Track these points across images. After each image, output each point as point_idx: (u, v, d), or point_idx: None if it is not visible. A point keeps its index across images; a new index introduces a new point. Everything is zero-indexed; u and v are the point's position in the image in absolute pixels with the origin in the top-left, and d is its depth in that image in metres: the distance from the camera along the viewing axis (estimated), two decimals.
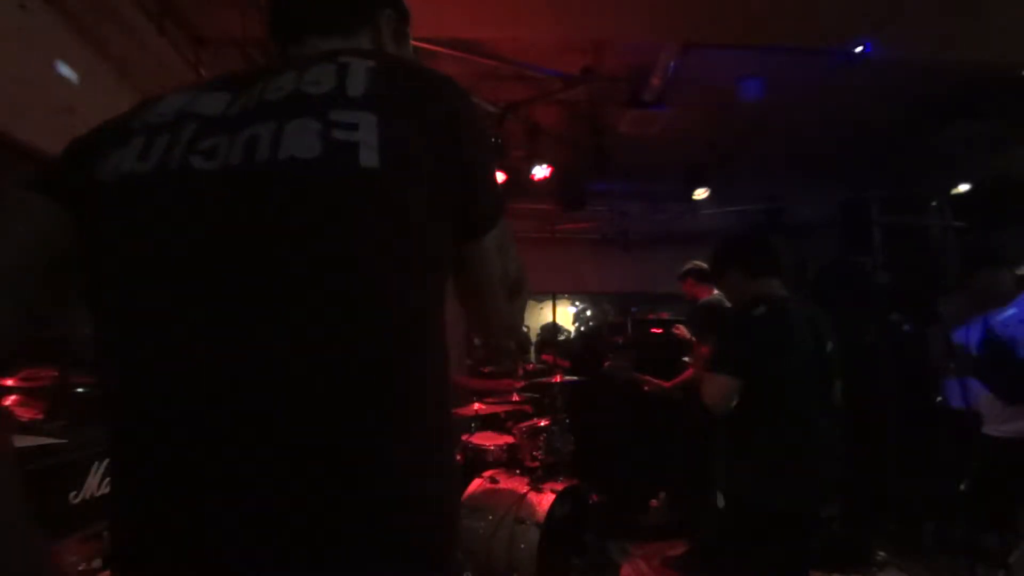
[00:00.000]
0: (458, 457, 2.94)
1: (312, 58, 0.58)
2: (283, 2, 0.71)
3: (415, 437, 0.53)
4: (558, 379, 3.24)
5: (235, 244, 0.50)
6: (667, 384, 3.28)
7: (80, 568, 1.05)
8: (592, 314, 7.43)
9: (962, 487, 2.75)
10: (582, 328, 7.30)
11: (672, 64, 3.04)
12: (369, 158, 0.50)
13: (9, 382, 1.45)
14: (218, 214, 0.51)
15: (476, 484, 2.91)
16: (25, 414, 1.37)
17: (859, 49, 2.78)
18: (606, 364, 3.66)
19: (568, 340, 6.83)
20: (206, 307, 0.50)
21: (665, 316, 4.52)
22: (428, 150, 0.53)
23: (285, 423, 0.48)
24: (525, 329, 7.49)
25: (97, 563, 1.08)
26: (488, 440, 3.05)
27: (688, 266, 3.41)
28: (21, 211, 0.56)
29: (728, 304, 2.28)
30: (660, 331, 4.33)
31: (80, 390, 1.57)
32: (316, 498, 0.47)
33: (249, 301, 0.49)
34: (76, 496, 1.08)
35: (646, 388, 3.36)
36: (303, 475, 0.47)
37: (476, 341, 4.96)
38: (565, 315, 7.53)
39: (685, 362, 3.21)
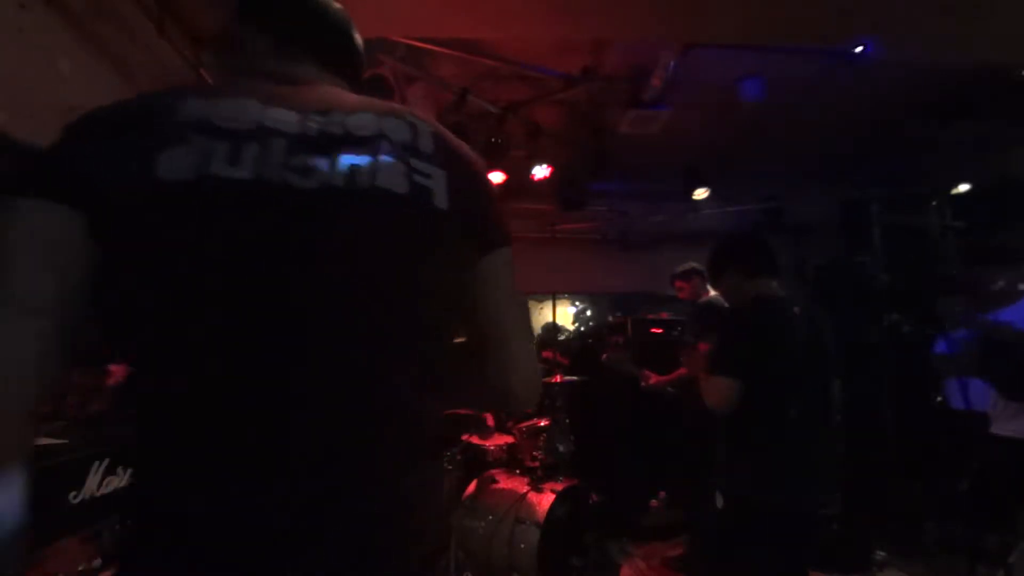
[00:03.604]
0: (458, 457, 2.94)
1: (383, 109, 0.67)
2: (313, 24, 0.75)
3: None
4: (558, 379, 3.24)
5: (333, 254, 0.57)
6: (663, 379, 3.28)
7: (80, 568, 1.05)
8: (592, 314, 7.43)
9: (962, 487, 2.76)
10: (582, 328, 7.30)
11: (672, 64, 3.04)
12: (441, 201, 0.63)
13: None
14: (318, 228, 0.57)
15: (475, 484, 2.91)
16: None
17: (859, 49, 2.78)
18: (604, 356, 3.66)
19: (568, 340, 6.83)
20: (305, 311, 0.55)
21: (665, 316, 4.52)
22: (470, 197, 0.67)
23: (358, 429, 0.57)
24: None
25: (97, 563, 1.08)
26: (488, 440, 3.05)
27: (684, 267, 3.42)
28: (46, 229, 0.50)
29: (726, 304, 2.28)
30: (660, 331, 4.33)
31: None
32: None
33: (342, 309, 0.57)
34: (76, 496, 1.08)
35: (643, 383, 3.36)
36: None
37: None
38: (565, 315, 7.53)
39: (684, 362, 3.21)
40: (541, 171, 4.08)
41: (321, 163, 0.58)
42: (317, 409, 0.55)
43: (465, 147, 0.71)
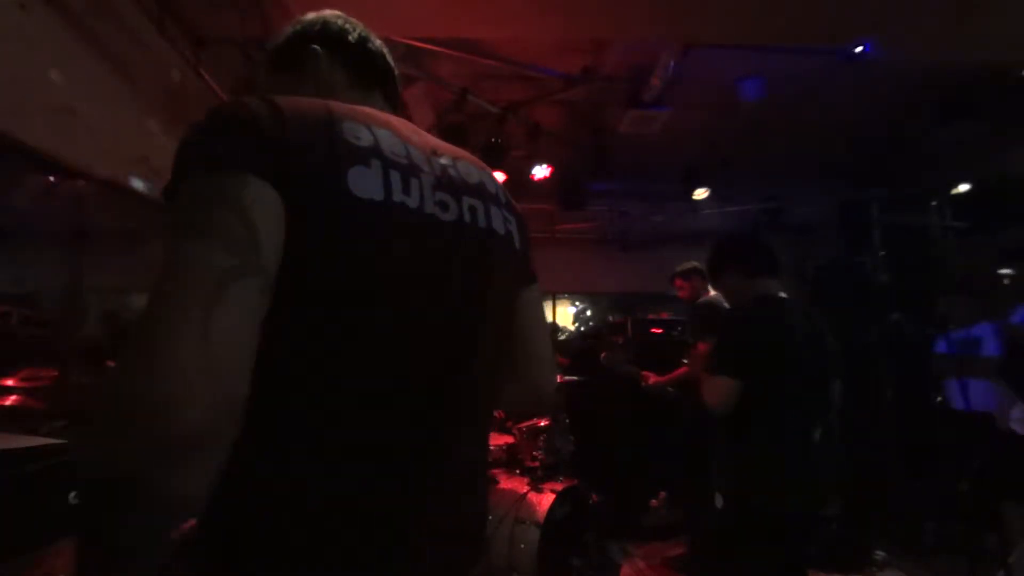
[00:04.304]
0: None
1: (473, 159, 0.77)
2: (378, 60, 0.82)
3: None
4: (558, 379, 3.24)
5: (460, 281, 0.66)
6: (662, 379, 3.28)
7: (80, 568, 1.05)
8: (592, 314, 7.44)
9: (962, 487, 2.76)
10: (582, 328, 7.30)
11: (672, 64, 3.04)
12: (519, 244, 0.77)
13: (9, 382, 1.45)
14: (464, 257, 0.66)
15: None
16: (25, 414, 1.37)
17: (859, 49, 2.78)
18: (603, 355, 3.66)
19: (568, 340, 6.83)
20: (432, 331, 0.63)
21: (665, 316, 4.52)
22: (527, 241, 0.81)
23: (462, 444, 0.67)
24: None
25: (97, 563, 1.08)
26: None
27: (684, 266, 3.41)
28: (265, 213, 0.51)
29: (727, 304, 2.28)
30: (660, 331, 4.33)
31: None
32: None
33: (481, 333, 0.68)
34: (76, 496, 1.07)
35: (642, 383, 3.36)
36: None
37: None
38: (565, 315, 7.53)
39: (685, 363, 3.21)
40: (541, 171, 4.08)
41: (452, 201, 0.67)
42: (459, 428, 0.66)
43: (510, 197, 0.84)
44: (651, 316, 4.49)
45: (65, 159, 1.84)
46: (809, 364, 1.69)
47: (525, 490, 2.73)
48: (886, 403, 3.67)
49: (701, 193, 4.60)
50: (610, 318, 5.43)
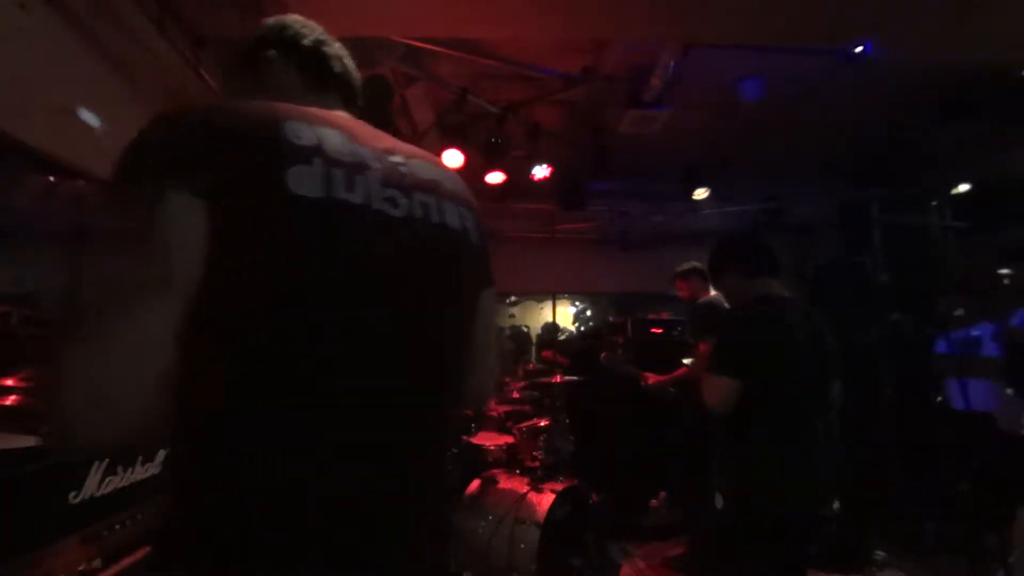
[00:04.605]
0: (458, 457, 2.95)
1: (429, 156, 0.78)
2: (335, 63, 0.83)
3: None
4: (558, 379, 3.24)
5: (412, 274, 0.67)
6: (662, 378, 3.28)
7: (80, 568, 1.05)
8: (592, 314, 7.44)
9: (962, 487, 2.76)
10: (582, 328, 7.31)
11: (672, 64, 3.04)
12: (475, 238, 0.78)
13: (9, 382, 1.45)
14: (416, 250, 0.68)
15: (476, 484, 2.91)
16: (25, 414, 1.37)
17: (859, 49, 2.78)
18: (603, 355, 3.66)
19: (568, 340, 6.83)
20: (383, 323, 0.64)
21: (665, 316, 4.52)
22: (484, 236, 0.81)
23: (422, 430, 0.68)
24: (525, 329, 7.52)
25: (97, 563, 1.08)
26: (488, 440, 3.05)
27: (685, 266, 3.41)
28: (183, 227, 0.52)
29: (727, 304, 2.28)
30: (660, 331, 4.33)
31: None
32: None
33: (417, 322, 0.67)
34: (76, 496, 1.07)
35: (642, 383, 3.36)
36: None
37: None
38: (565, 315, 7.53)
39: (685, 364, 3.21)
40: (541, 171, 4.08)
41: (402, 197, 0.68)
42: (420, 427, 0.68)
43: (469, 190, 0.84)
44: (651, 316, 4.49)
45: (65, 159, 1.84)
46: (809, 364, 1.69)
47: (525, 490, 2.73)
48: (886, 403, 3.67)
49: (701, 193, 4.60)
50: (610, 318, 5.43)
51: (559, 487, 2.75)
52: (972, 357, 2.98)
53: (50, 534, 1.01)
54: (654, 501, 3.96)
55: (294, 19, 0.83)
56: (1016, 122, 3.67)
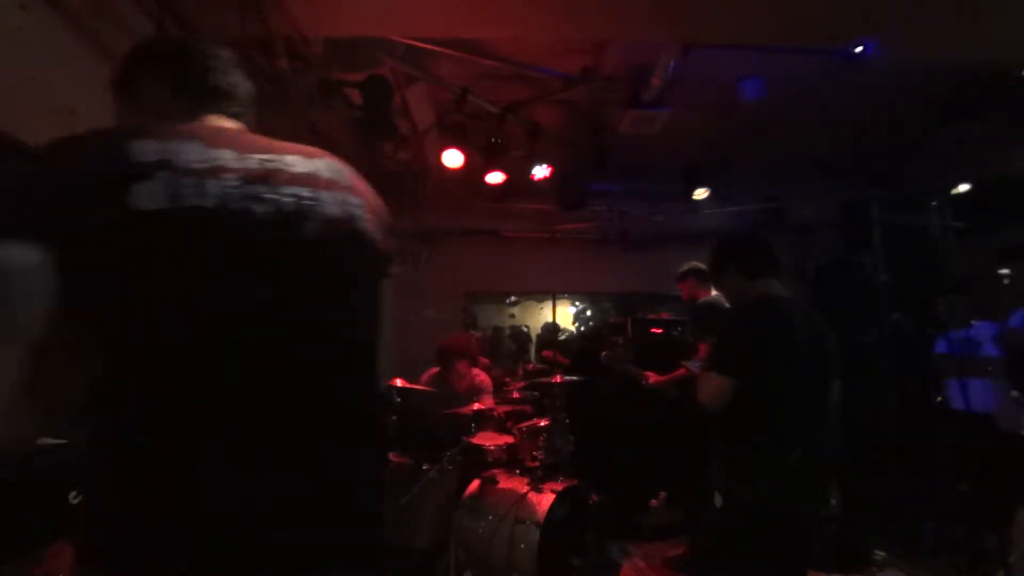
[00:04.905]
0: (458, 457, 2.95)
1: (306, 151, 0.79)
2: (207, 74, 0.84)
3: None
4: (558, 379, 3.24)
5: (286, 267, 0.69)
6: (663, 378, 3.28)
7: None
8: (592, 314, 7.43)
9: (962, 487, 2.76)
10: (582, 328, 7.30)
11: (672, 64, 3.03)
12: (366, 225, 0.79)
13: None
14: (275, 244, 0.68)
15: (476, 484, 2.91)
16: None
17: (859, 49, 2.77)
18: (603, 355, 3.65)
19: (568, 340, 6.83)
20: (258, 321, 0.66)
21: (665, 316, 4.52)
22: (382, 225, 0.84)
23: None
24: (525, 329, 7.52)
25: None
26: (488, 440, 3.05)
27: (687, 267, 3.41)
28: (23, 275, 0.55)
29: (727, 304, 2.28)
30: (660, 331, 4.33)
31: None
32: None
33: (311, 309, 0.70)
34: (76, 496, 1.08)
35: (643, 383, 3.36)
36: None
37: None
38: (565, 315, 7.53)
39: (684, 365, 3.20)
40: (541, 171, 4.08)
41: (270, 192, 0.69)
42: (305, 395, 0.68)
43: (367, 183, 0.87)
44: (651, 316, 4.48)
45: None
46: (809, 364, 1.69)
47: (525, 490, 2.73)
48: (886, 403, 3.67)
49: (701, 193, 4.59)
50: (610, 319, 5.43)
51: (559, 487, 2.75)
52: (972, 357, 2.99)
53: (50, 534, 1.01)
54: (654, 501, 3.96)
55: (162, 37, 0.89)
56: (1016, 122, 3.67)
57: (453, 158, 3.81)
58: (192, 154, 0.65)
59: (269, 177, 0.71)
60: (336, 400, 0.71)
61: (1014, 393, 2.77)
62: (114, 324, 0.59)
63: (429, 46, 2.94)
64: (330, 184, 0.77)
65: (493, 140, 3.72)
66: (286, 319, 0.67)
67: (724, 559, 1.74)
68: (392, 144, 3.83)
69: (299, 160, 0.76)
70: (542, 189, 4.40)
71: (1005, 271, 3.29)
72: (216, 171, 0.66)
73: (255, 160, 0.71)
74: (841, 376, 1.79)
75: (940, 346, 3.25)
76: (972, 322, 3.06)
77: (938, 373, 3.30)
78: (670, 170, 4.52)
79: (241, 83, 0.87)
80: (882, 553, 3.16)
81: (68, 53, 1.86)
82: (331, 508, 0.68)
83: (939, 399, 3.25)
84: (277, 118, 3.18)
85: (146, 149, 0.63)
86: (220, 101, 0.84)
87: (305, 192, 0.73)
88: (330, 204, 0.75)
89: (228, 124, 0.81)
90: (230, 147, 0.70)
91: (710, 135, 4.17)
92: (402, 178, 4.85)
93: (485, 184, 4.21)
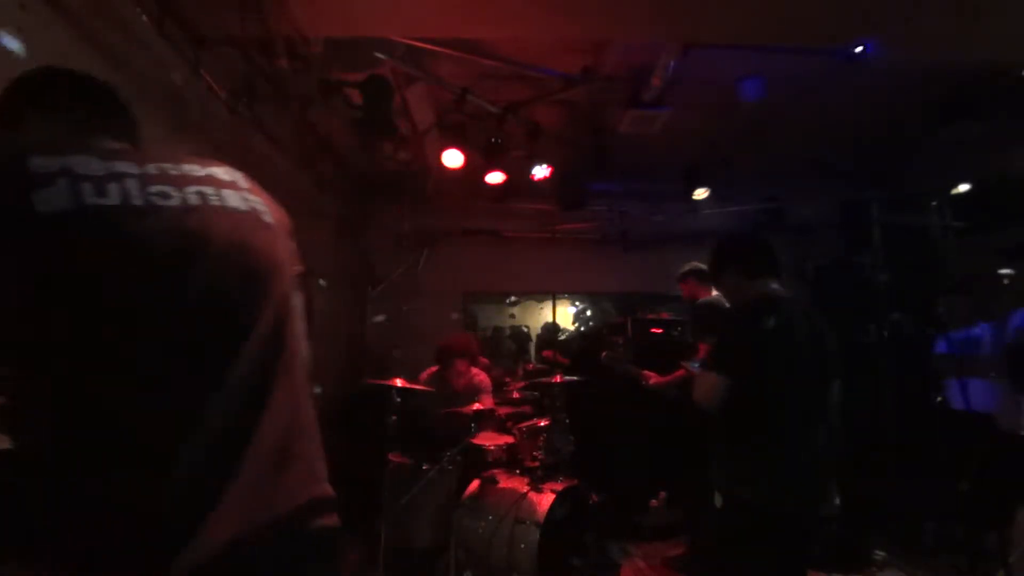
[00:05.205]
0: (458, 457, 2.95)
1: (202, 160, 0.82)
2: (97, 102, 0.88)
3: None
4: (558, 379, 3.24)
5: (198, 254, 0.70)
6: (663, 379, 3.28)
7: None
8: (592, 314, 7.43)
9: (962, 487, 2.76)
10: (582, 328, 7.30)
11: (672, 64, 3.03)
12: (269, 218, 0.83)
13: None
14: (193, 232, 0.71)
15: (476, 484, 2.91)
16: None
17: (859, 49, 2.77)
18: (603, 355, 3.66)
19: (568, 340, 6.83)
20: (169, 305, 0.68)
21: (665, 316, 4.52)
22: (285, 223, 0.88)
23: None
24: (525, 329, 7.52)
25: None
26: (488, 440, 3.05)
27: (687, 267, 3.42)
28: None
29: (727, 304, 2.28)
30: (660, 331, 4.33)
31: None
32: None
33: (224, 299, 0.72)
34: None
35: (644, 383, 3.36)
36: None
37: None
38: (565, 315, 7.52)
39: (683, 365, 3.20)
40: (541, 171, 4.08)
41: (174, 191, 0.72)
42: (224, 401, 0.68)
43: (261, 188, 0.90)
44: (651, 316, 4.49)
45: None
46: (809, 364, 1.69)
47: (525, 490, 2.73)
48: (886, 403, 3.67)
49: (701, 193, 4.59)
50: (610, 318, 5.43)
51: (559, 487, 2.75)
52: (972, 357, 2.98)
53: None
54: (654, 501, 3.96)
55: (43, 70, 0.89)
56: (1016, 122, 3.67)
57: (453, 158, 3.81)
58: (90, 164, 0.68)
59: (170, 180, 0.73)
60: (244, 392, 0.71)
61: (1014, 392, 2.77)
62: (24, 327, 0.61)
63: (429, 46, 2.93)
64: (231, 184, 0.81)
65: (493, 140, 3.72)
66: (196, 310, 0.69)
67: (724, 559, 1.74)
68: (392, 144, 3.83)
69: (195, 167, 0.79)
70: (542, 189, 4.40)
71: (1005, 271, 3.29)
72: (115, 176, 0.69)
73: (152, 167, 0.73)
74: (841, 376, 1.79)
75: (940, 346, 3.25)
76: (978, 321, 3.06)
77: (938, 373, 3.30)
78: (670, 170, 4.52)
79: (130, 115, 0.91)
80: (882, 553, 3.16)
81: (68, 53, 1.85)
82: (235, 503, 0.66)
83: (939, 399, 3.25)
84: (277, 118, 3.19)
85: (45, 161, 0.65)
86: (111, 129, 0.87)
87: (208, 190, 0.76)
88: (234, 199, 0.78)
89: (120, 146, 0.83)
90: (125, 159, 0.73)
91: (710, 135, 4.16)
92: (402, 178, 4.86)
93: (485, 184, 4.21)
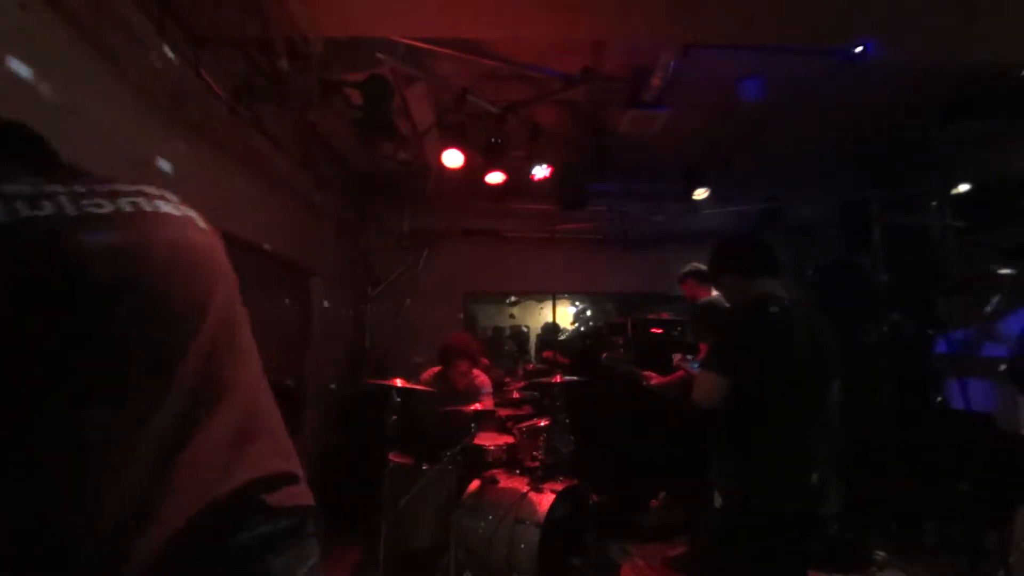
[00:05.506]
0: (458, 457, 2.95)
1: (131, 179, 0.83)
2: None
3: None
4: (558, 379, 3.24)
5: (147, 257, 0.73)
6: (663, 379, 3.28)
7: None
8: (592, 314, 7.43)
9: (962, 487, 2.76)
10: (582, 328, 7.30)
11: (672, 64, 3.03)
12: (201, 223, 0.85)
13: None
14: (132, 238, 0.73)
15: (476, 484, 2.91)
16: None
17: (859, 49, 2.77)
18: (604, 356, 3.66)
19: (568, 340, 6.83)
20: (116, 304, 0.68)
21: (665, 316, 4.52)
22: (216, 234, 0.88)
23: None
24: (525, 329, 7.52)
25: None
26: (488, 440, 3.05)
27: (688, 268, 3.42)
28: None
29: (727, 304, 2.28)
30: (660, 331, 4.33)
31: None
32: None
33: (166, 297, 0.73)
34: None
35: (645, 384, 3.36)
36: None
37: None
38: (565, 315, 7.53)
39: (681, 364, 3.20)
40: (541, 171, 4.08)
41: (106, 202, 0.74)
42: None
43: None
44: (651, 316, 4.49)
45: (65, 159, 1.83)
46: (808, 364, 1.69)
47: (525, 490, 2.73)
48: (886, 403, 3.67)
49: (701, 193, 4.59)
50: (610, 318, 5.43)
51: (559, 487, 2.75)
52: (972, 357, 2.98)
53: None
54: (654, 501, 3.96)
55: None
56: (1016, 122, 3.67)
57: (453, 158, 3.81)
58: (21, 188, 0.69)
59: (100, 195, 0.75)
60: (196, 383, 0.72)
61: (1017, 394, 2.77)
62: None
63: (429, 46, 2.93)
64: (161, 197, 0.83)
65: (493, 140, 3.72)
66: (143, 311, 0.70)
67: (724, 559, 1.74)
68: (392, 144, 3.82)
69: (124, 184, 0.81)
70: (542, 189, 4.40)
71: (1005, 271, 3.29)
72: (46, 195, 0.70)
73: (79, 186, 0.75)
74: (841, 376, 1.80)
75: (940, 346, 3.25)
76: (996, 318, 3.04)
77: (938, 373, 3.30)
78: (670, 170, 4.52)
79: (48, 146, 0.92)
80: (882, 553, 3.16)
81: (68, 53, 1.85)
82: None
83: (939, 399, 3.25)
84: (277, 118, 3.19)
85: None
86: (33, 163, 0.88)
87: (141, 200, 0.78)
88: (167, 207, 0.81)
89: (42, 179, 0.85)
90: (53, 182, 0.74)
91: (710, 135, 4.16)
92: (402, 178, 4.86)
93: (485, 184, 4.20)
